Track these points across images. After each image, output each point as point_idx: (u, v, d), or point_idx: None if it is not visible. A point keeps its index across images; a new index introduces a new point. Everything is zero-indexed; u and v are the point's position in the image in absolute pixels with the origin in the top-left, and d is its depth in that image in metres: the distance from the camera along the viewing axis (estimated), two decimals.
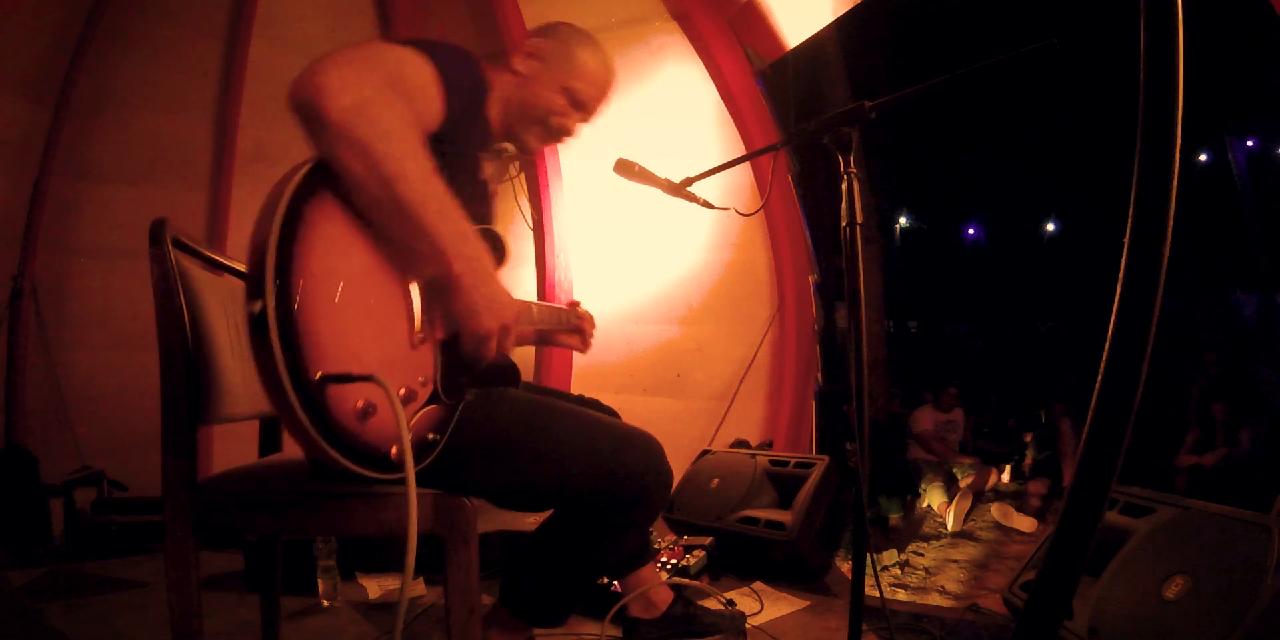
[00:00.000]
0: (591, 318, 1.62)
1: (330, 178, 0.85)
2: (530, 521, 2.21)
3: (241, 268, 1.37)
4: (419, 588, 1.99)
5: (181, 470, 1.00)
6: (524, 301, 1.06)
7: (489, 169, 1.25)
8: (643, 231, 3.37)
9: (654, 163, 1.55)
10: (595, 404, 1.47)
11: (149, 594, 2.04)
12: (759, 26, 3.04)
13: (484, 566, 1.06)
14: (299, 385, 0.78)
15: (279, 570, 1.39)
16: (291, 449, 1.41)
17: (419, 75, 0.97)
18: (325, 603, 1.92)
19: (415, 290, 0.97)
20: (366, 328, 0.89)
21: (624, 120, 3.39)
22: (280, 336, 0.76)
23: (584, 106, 1.29)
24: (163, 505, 1.00)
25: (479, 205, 1.14)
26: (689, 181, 1.56)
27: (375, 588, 2.03)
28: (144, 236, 1.02)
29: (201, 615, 1.00)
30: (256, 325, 0.76)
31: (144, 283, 1.02)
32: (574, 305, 1.60)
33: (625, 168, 1.54)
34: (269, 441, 1.41)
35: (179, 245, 1.06)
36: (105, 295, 3.11)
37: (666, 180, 1.55)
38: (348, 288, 0.86)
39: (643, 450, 1.19)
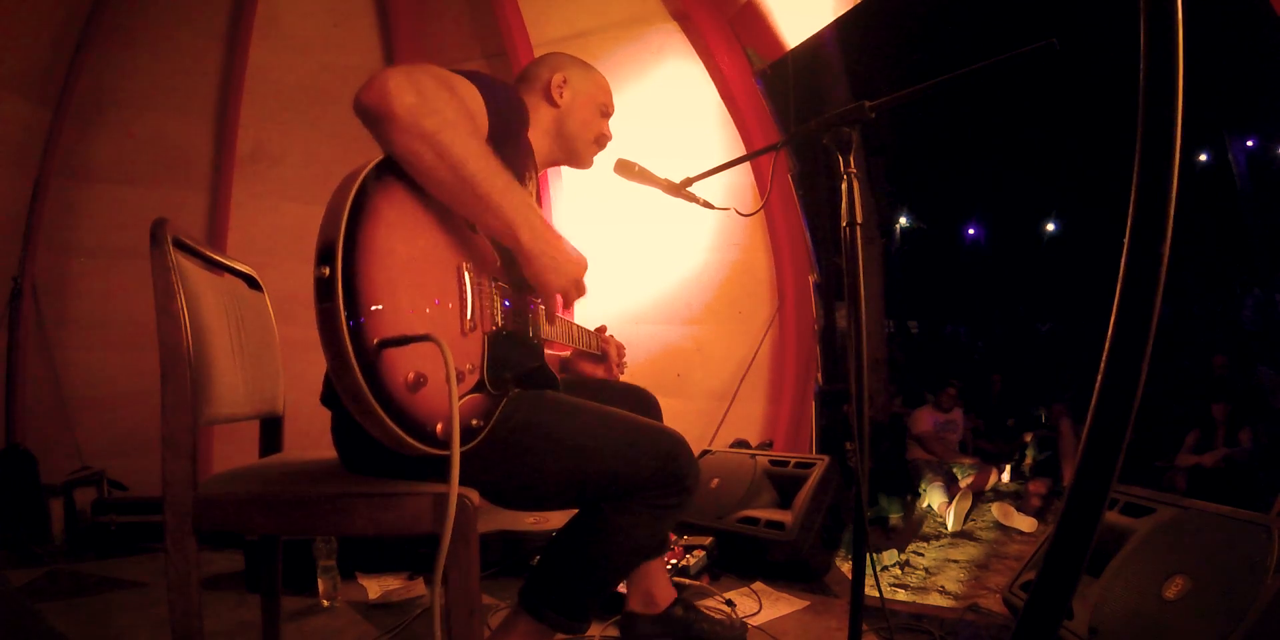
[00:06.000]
0: (621, 345, 1.69)
1: (396, 170, 0.92)
2: (530, 522, 2.21)
3: (242, 267, 1.38)
4: (418, 588, 1.99)
5: (181, 470, 1.00)
6: (581, 261, 1.12)
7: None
8: (643, 231, 3.37)
9: (654, 163, 1.55)
10: (636, 390, 1.52)
11: (149, 594, 2.04)
12: (759, 26, 3.04)
13: (484, 566, 1.06)
14: (359, 349, 0.82)
15: (279, 570, 1.38)
16: (291, 449, 1.42)
17: (465, 87, 1.06)
18: (325, 603, 1.92)
19: (468, 282, 1.03)
20: (421, 307, 0.94)
21: (624, 120, 3.39)
22: (344, 301, 0.81)
23: (609, 114, 1.53)
24: (163, 505, 0.99)
25: None
26: (689, 182, 1.56)
27: (375, 588, 2.03)
28: (144, 236, 1.02)
29: (201, 615, 1.00)
30: (323, 289, 0.81)
31: (144, 283, 1.02)
32: (601, 330, 1.69)
33: (625, 168, 1.54)
34: (269, 441, 1.41)
35: (179, 245, 1.06)
36: (105, 295, 3.11)
37: (666, 180, 1.55)
38: (407, 268, 0.92)
39: (671, 436, 1.24)
